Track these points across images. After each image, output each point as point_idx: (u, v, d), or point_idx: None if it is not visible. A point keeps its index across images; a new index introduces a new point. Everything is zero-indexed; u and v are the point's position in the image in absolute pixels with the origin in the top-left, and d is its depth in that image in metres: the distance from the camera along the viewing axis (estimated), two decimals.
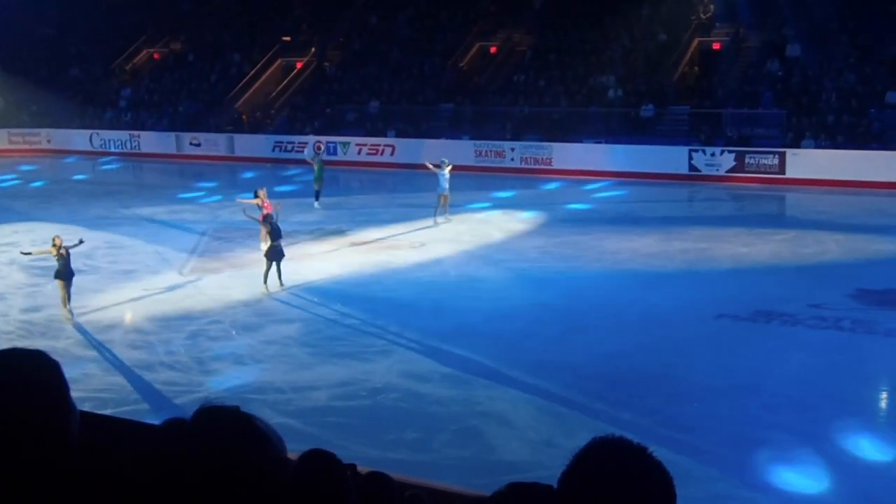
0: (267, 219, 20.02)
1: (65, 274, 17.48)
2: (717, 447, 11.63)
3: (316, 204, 29.20)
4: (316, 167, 29.45)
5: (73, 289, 17.71)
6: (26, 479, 2.34)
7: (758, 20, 38.91)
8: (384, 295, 19.08)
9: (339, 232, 25.68)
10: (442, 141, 38.01)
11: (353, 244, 24.26)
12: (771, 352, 15.22)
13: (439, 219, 26.61)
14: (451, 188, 26.43)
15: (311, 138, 40.67)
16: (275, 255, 19.31)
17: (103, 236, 25.35)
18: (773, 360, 14.83)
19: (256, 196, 22.11)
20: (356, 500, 3.72)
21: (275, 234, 19.38)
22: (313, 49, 47.69)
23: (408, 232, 25.50)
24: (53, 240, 17.64)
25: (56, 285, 17.77)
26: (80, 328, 17.24)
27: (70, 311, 17.67)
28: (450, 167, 26.55)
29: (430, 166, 27.14)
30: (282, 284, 19.52)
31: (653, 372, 14.38)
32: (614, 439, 2.12)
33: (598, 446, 2.11)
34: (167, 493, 2.10)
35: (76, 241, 18.15)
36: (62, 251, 17.40)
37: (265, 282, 19.32)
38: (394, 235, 25.11)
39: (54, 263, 17.64)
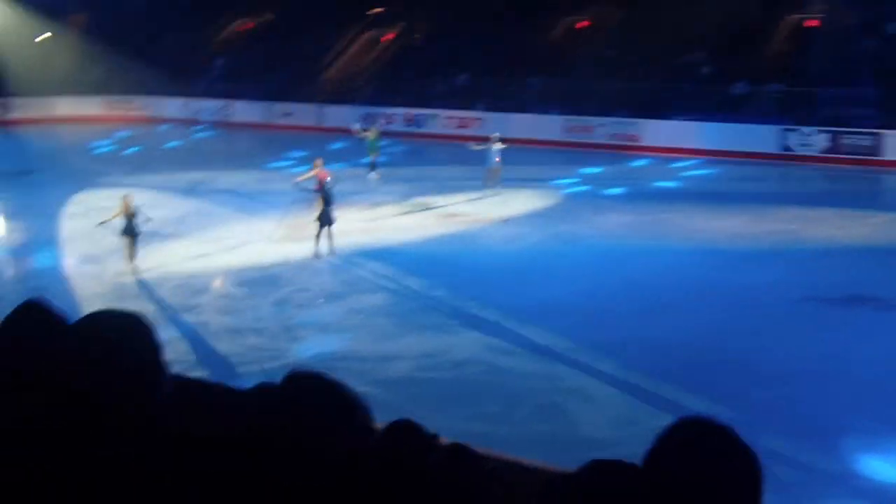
0: (323, 186, 20.43)
1: (131, 232, 18.59)
2: (797, 429, 11.45)
3: (372, 175, 29.45)
4: (372, 138, 29.67)
5: (139, 247, 18.84)
6: (120, 436, 2.41)
7: None
8: (469, 268, 19.13)
9: (425, 204, 25.76)
10: (530, 115, 37.85)
11: (439, 217, 24.34)
12: (860, 337, 14.89)
13: (488, 191, 26.84)
14: (539, 162, 26.39)
15: (400, 110, 40.79)
16: (324, 220, 19.87)
17: (194, 203, 25.84)
18: (862, 346, 14.51)
19: (314, 167, 22.22)
20: (440, 471, 3.75)
21: (326, 200, 19.96)
22: (403, 21, 47.72)
23: (494, 206, 25.48)
24: (123, 198, 18.81)
25: (123, 242, 18.78)
26: (171, 292, 17.62)
27: (134, 268, 18.63)
28: (499, 142, 27.07)
29: (475, 146, 27.85)
30: (332, 251, 20.00)
31: (736, 353, 14.19)
32: (701, 419, 2.12)
33: (685, 425, 2.11)
34: (258, 455, 2.16)
35: (146, 218, 19.02)
36: (129, 210, 18.58)
37: (316, 245, 19.93)
38: (480, 209, 25.10)
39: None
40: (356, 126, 31.87)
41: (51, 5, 49.80)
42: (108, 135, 41.87)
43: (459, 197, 26.56)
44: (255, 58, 50.07)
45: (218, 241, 21.63)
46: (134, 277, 18.36)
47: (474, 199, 26.28)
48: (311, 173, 21.57)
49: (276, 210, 24.78)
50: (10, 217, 25.89)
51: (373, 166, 29.77)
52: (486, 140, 27.50)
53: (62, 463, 2.37)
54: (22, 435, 2.44)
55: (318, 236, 19.95)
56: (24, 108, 47.00)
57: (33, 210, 25.46)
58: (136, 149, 38.50)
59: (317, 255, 19.88)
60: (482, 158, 27.50)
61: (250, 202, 25.96)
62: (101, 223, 19.39)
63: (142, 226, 18.89)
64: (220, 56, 50.99)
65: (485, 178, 27.07)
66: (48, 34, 50.94)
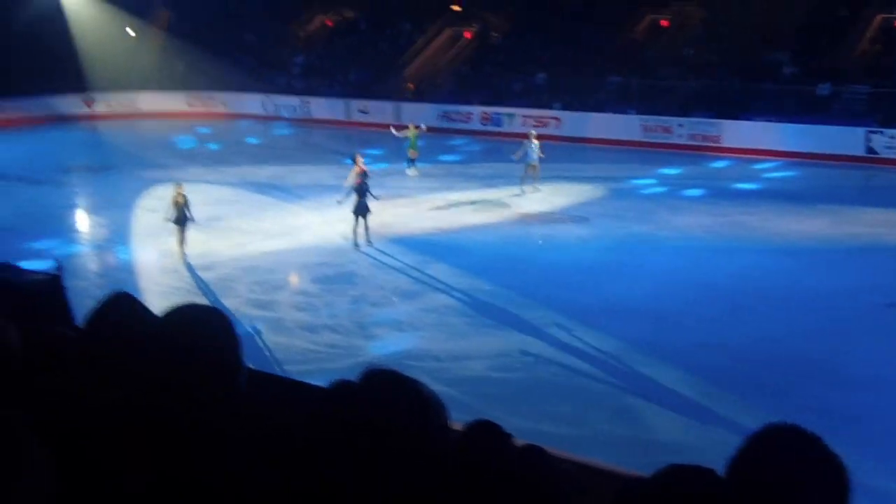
0: (361, 177, 20.98)
1: (180, 220, 19.61)
2: (884, 440, 11.19)
3: (410, 171, 29.87)
4: (412, 136, 30.01)
5: (188, 234, 19.88)
6: (199, 430, 2.44)
7: None
8: (543, 267, 19.06)
9: (501, 203, 25.71)
10: (608, 115, 37.56)
11: (514, 215, 24.28)
12: None
13: (526, 188, 27.01)
14: (615, 161, 26.20)
15: (477, 108, 40.83)
16: (359, 209, 20.63)
17: (272, 199, 26.14)
18: None
19: (354, 161, 22.15)
20: (516, 472, 3.72)
21: (360, 191, 20.67)
22: (482, 19, 47.72)
23: (571, 206, 25.35)
24: (175, 189, 19.84)
25: (173, 229, 19.83)
26: (248, 287, 17.83)
27: (183, 254, 19.70)
28: (536, 138, 27.45)
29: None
30: (369, 242, 20.77)
31: (816, 358, 13.94)
32: (787, 427, 2.06)
33: (771, 433, 2.06)
34: (337, 453, 2.15)
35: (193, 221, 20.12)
36: (179, 199, 19.57)
37: (353, 236, 20.73)
38: (557, 209, 24.99)
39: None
40: (393, 129, 31.99)
41: (135, 2, 50.76)
42: (189, 130, 42.52)
43: (534, 196, 26.45)
44: (334, 55, 50.47)
45: (294, 237, 21.83)
46: (182, 262, 19.30)
47: (549, 199, 26.16)
48: (356, 169, 21.59)
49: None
50: (92, 211, 26.46)
51: (411, 162, 30.10)
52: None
53: (151, 451, 2.41)
54: (113, 425, 2.49)
55: (355, 228, 20.73)
56: (108, 104, 47.98)
57: (114, 204, 25.96)
58: (217, 144, 39.05)
59: (355, 246, 20.62)
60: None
61: (327, 199, 26.12)
62: (166, 219, 19.98)
63: (192, 215, 19.87)
64: (301, 53, 51.46)
65: (523, 176, 27.08)
66: (132, 31, 51.90)
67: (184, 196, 19.69)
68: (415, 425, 2.17)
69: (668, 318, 15.85)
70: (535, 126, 37.97)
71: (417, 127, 30.83)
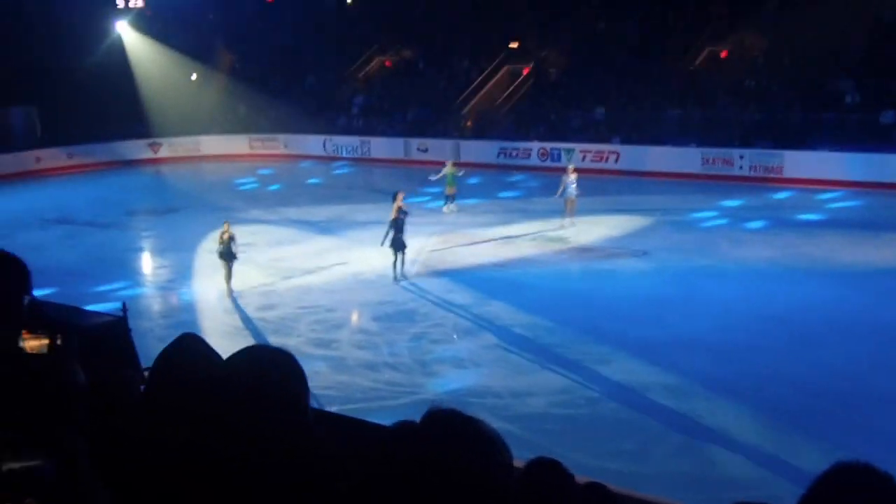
0: (398, 213, 21.48)
1: (226, 256, 20.25)
2: None
3: (446, 209, 30.30)
4: (451, 172, 30.51)
5: (233, 269, 20.52)
6: (269, 473, 2.44)
7: None
8: (605, 303, 18.94)
9: (561, 239, 25.64)
10: (668, 147, 37.36)
11: (576, 251, 24.18)
12: None
13: (565, 222, 27.19)
14: (676, 194, 26.02)
15: (535, 144, 40.88)
16: (395, 244, 21.21)
17: (332, 238, 26.32)
18: None
19: (394, 198, 22.15)
20: None
21: (397, 227, 21.22)
22: (539, 55, 47.87)
23: (631, 239, 25.19)
24: (224, 225, 20.68)
25: (220, 264, 20.54)
26: (310, 326, 17.95)
27: (230, 289, 20.33)
28: (574, 172, 27.73)
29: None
30: (404, 275, 21.33)
31: (887, 393, 13.64)
32: (860, 466, 2.01)
33: (843, 472, 2.01)
34: (401, 495, 2.14)
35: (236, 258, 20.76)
36: (225, 237, 20.26)
37: (393, 270, 21.27)
38: (617, 243, 24.85)
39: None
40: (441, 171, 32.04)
41: (199, 47, 51.78)
42: (251, 172, 43.08)
43: (594, 231, 26.35)
44: (393, 94, 50.89)
45: (355, 276, 21.96)
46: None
47: (609, 232, 26.04)
48: (395, 206, 21.70)
49: (413, 245, 24.97)
50: (156, 253, 26.89)
51: (449, 199, 30.47)
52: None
53: (217, 495, 2.42)
54: (178, 467, 2.51)
55: (395, 262, 21.27)
56: (173, 147, 48.87)
57: (178, 246, 26.34)
58: (278, 185, 39.49)
59: (395, 279, 21.15)
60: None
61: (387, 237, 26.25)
62: (219, 254, 20.64)
63: (238, 250, 20.60)
64: (360, 93, 51.99)
65: (564, 211, 27.30)
66: (195, 75, 52.88)
67: (230, 233, 20.35)
68: (477, 464, 2.16)
69: (733, 352, 15.65)
70: (594, 160, 37.97)
71: (455, 164, 31.18)
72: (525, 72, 48.04)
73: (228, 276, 20.42)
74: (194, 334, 3.13)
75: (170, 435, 2.66)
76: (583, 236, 25.74)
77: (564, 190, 27.32)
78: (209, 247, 25.44)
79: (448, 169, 30.61)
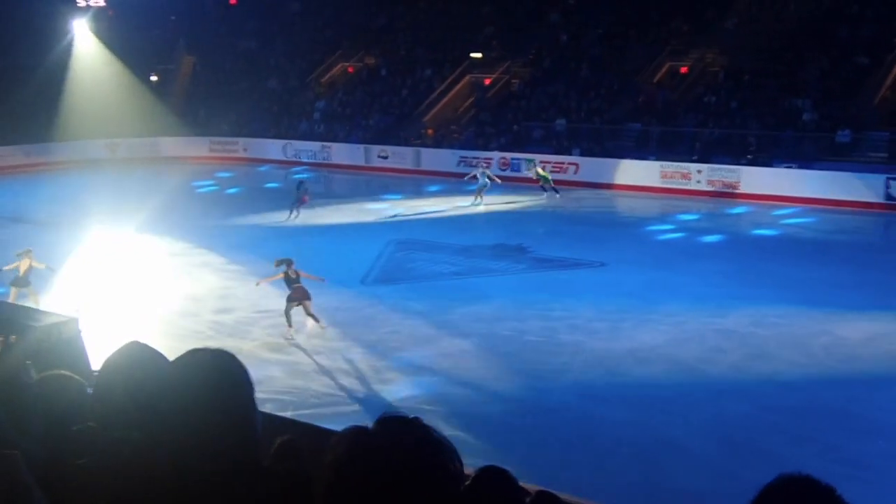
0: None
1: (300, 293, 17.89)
2: None
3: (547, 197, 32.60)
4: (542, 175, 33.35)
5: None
6: (218, 473, 2.44)
7: None
8: (561, 314, 18.99)
9: (520, 248, 25.71)
10: (627, 161, 37.62)
11: (534, 261, 24.25)
12: None
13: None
14: (634, 208, 26.12)
15: (496, 154, 40.99)
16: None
17: (292, 244, 26.18)
18: None
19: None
20: None
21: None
22: (502, 66, 48.05)
23: (588, 250, 25.31)
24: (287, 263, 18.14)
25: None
26: (265, 331, 17.86)
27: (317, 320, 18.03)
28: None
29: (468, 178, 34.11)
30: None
31: (836, 406, 13.83)
32: (801, 478, 2.04)
33: (785, 484, 2.04)
34: (350, 498, 2.15)
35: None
36: (290, 273, 17.87)
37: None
38: (575, 254, 24.95)
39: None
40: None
41: (160, 48, 51.44)
42: (210, 175, 42.83)
43: (552, 242, 26.45)
44: (355, 101, 50.85)
45: (313, 282, 21.85)
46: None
47: (568, 244, 26.15)
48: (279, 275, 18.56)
49: (371, 252, 24.98)
50: (112, 254, 26.60)
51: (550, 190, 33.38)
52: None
53: (162, 497, 2.42)
54: (121, 470, 2.51)
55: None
56: (131, 148, 48.44)
57: (134, 248, 26.09)
58: (237, 189, 39.29)
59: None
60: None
61: (345, 243, 26.22)
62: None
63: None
64: (322, 99, 51.89)
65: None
66: (156, 76, 52.53)
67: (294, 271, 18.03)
68: (426, 471, 2.17)
69: (688, 365, 15.78)
70: (554, 171, 38.12)
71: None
72: (487, 82, 48.19)
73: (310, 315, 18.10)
74: (140, 341, 3.13)
75: (116, 437, 2.65)
76: (541, 247, 25.82)
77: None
78: (168, 249, 25.32)
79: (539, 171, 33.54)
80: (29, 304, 18.33)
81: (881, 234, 29.85)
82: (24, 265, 19.36)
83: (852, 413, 13.52)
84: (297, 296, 17.88)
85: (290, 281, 17.98)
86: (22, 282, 19.38)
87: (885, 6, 38.00)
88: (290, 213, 30.28)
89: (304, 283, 17.88)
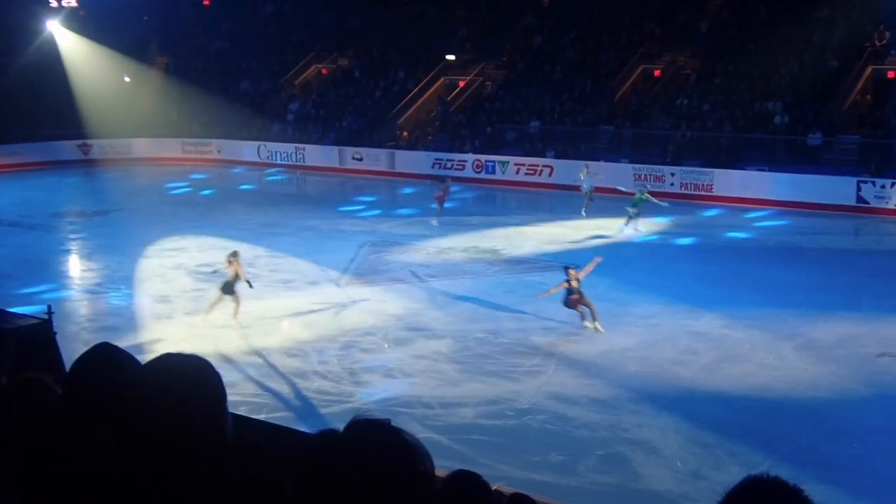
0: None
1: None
2: (871, 490, 11.18)
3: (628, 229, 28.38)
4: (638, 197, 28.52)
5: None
6: (181, 477, 2.44)
7: None
8: (535, 316, 19.03)
9: (493, 251, 25.74)
10: (601, 163, 37.73)
11: (507, 263, 24.29)
12: None
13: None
14: (607, 209, 26.28)
15: (470, 156, 41.01)
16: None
17: (265, 246, 26.11)
18: None
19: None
20: None
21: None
22: (476, 68, 48.13)
23: (562, 252, 25.36)
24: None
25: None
26: (240, 334, 17.79)
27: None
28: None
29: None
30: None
31: (807, 408, 13.94)
32: (769, 479, 2.06)
33: (752, 486, 2.06)
34: (320, 501, 2.16)
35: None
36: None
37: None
38: (549, 256, 25.00)
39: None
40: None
41: (133, 49, 51.08)
42: (184, 176, 42.63)
43: (526, 244, 26.51)
44: (329, 103, 50.74)
45: (287, 284, 21.81)
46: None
47: (541, 246, 26.21)
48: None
49: (346, 254, 24.94)
50: (84, 256, 26.47)
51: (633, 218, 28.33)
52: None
53: (132, 497, 2.41)
54: (92, 473, 2.50)
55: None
56: (104, 149, 48.12)
57: (107, 249, 25.99)
58: (211, 191, 39.13)
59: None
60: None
61: (320, 245, 26.16)
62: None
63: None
64: (296, 101, 51.74)
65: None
66: (129, 77, 52.18)
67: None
68: (398, 474, 2.17)
69: (661, 367, 15.85)
70: (528, 173, 38.23)
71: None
72: (461, 84, 48.24)
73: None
74: (108, 343, 3.12)
75: (87, 440, 2.65)
76: (515, 249, 25.87)
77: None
78: (140, 251, 25.19)
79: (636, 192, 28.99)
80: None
81: (852, 236, 30.09)
82: (233, 270, 18.34)
83: (823, 415, 13.63)
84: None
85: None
86: (228, 288, 18.34)
87: (856, 11, 38.32)
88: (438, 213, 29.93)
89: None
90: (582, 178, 31.41)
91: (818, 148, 35.66)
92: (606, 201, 30.60)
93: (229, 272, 18.33)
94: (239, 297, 18.31)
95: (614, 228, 28.19)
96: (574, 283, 17.48)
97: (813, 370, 15.63)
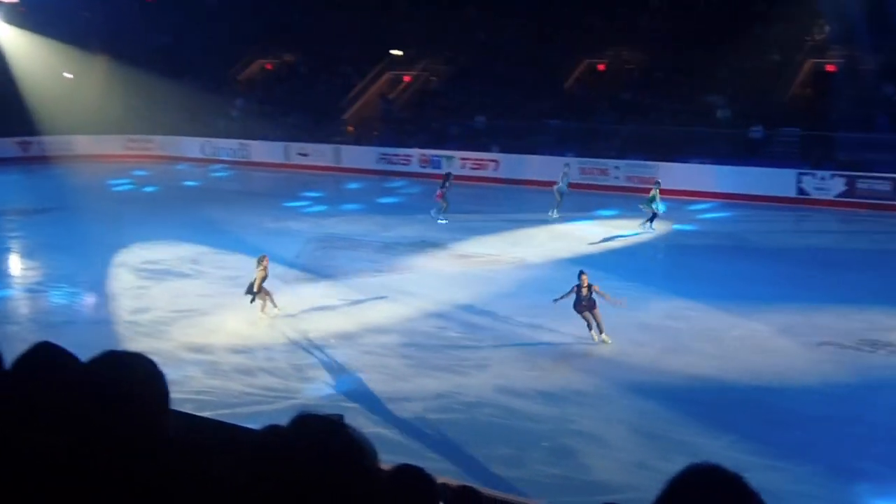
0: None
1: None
2: (814, 477, 11.37)
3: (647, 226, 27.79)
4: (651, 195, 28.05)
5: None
6: (122, 474, 2.42)
7: (874, 42, 37.76)
8: (482, 310, 19.08)
9: (441, 245, 25.76)
10: (546, 157, 37.90)
11: (453, 258, 24.33)
12: (874, 382, 14.82)
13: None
14: (551, 203, 26.39)
15: (416, 151, 41.00)
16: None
17: (210, 242, 25.89)
18: (876, 391, 14.45)
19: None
20: None
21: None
22: (421, 63, 48.11)
23: (507, 247, 25.47)
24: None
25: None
26: (184, 331, 17.63)
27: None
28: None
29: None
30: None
31: (751, 397, 14.12)
32: (709, 467, 2.09)
33: (693, 473, 2.08)
34: (265, 497, 2.15)
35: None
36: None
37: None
38: (494, 251, 25.08)
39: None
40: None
41: (74, 45, 50.32)
42: (126, 173, 42.12)
43: (474, 239, 26.55)
44: (274, 98, 50.42)
45: (233, 280, 21.64)
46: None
47: (489, 240, 26.29)
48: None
49: (291, 250, 24.80)
50: (26, 255, 26.08)
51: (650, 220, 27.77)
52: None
53: (72, 495, 2.39)
54: (32, 472, 2.47)
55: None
56: (44, 146, 47.39)
57: (48, 247, 25.63)
58: (154, 187, 38.74)
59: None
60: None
61: (265, 241, 25.96)
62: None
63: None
64: (240, 96, 51.34)
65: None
66: (71, 73, 51.44)
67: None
68: (342, 469, 2.18)
69: (606, 358, 15.96)
70: (474, 168, 38.29)
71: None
72: (406, 79, 48.19)
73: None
74: (49, 342, 3.08)
75: (27, 439, 2.62)
76: (462, 243, 25.91)
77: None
78: (82, 249, 24.85)
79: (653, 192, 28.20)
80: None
81: (793, 228, 30.55)
82: (259, 274, 18.09)
83: (766, 404, 13.82)
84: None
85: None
86: (249, 289, 18.19)
87: (794, 4, 38.85)
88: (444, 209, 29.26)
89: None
90: (560, 177, 30.43)
91: (759, 141, 36.14)
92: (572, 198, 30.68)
93: (257, 274, 18.10)
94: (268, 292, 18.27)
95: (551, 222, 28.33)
96: (584, 291, 17.17)
97: (754, 360, 15.84)
